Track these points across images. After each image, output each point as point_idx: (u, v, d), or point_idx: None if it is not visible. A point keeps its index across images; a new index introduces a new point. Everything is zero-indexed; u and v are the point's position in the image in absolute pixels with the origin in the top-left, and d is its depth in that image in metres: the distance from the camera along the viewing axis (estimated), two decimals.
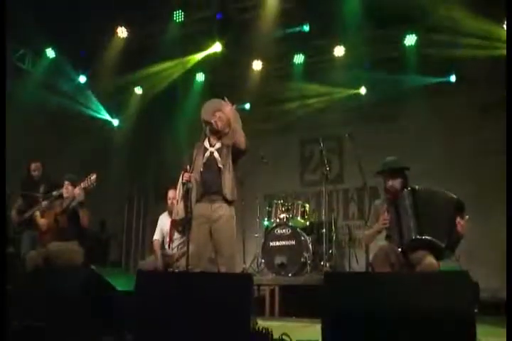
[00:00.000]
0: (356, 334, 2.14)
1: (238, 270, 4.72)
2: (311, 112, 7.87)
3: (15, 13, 6.06)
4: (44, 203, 4.79)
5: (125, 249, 8.53)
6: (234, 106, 4.05)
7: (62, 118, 7.18)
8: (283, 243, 5.59)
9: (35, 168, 5.46)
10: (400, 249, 3.59)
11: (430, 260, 3.45)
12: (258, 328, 2.55)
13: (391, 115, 7.30)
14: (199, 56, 6.74)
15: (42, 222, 4.67)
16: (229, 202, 3.95)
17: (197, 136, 4.10)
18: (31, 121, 6.66)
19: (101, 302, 3.01)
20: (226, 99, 4.03)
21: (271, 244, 5.64)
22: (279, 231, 5.67)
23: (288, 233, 5.61)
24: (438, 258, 3.58)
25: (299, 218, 5.95)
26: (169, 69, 6.80)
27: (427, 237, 3.52)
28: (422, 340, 1.92)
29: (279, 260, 5.55)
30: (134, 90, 8.03)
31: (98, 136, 7.72)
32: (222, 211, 3.91)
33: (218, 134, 4.15)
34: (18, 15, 6.19)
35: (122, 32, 6.64)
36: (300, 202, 6.09)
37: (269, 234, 5.71)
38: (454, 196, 3.67)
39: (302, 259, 5.46)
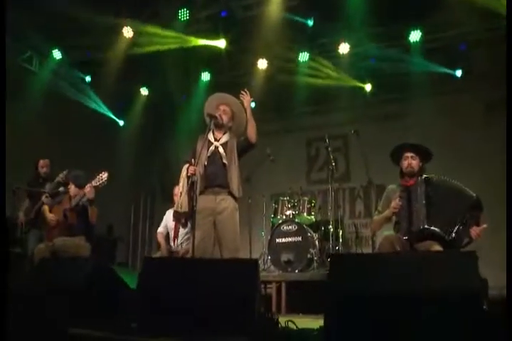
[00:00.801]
0: (361, 319, 2.11)
1: None
2: (317, 111, 7.88)
3: (20, 15, 6.13)
4: (47, 199, 4.80)
5: (132, 250, 8.52)
6: (251, 99, 4.06)
7: (68, 119, 7.21)
8: (289, 239, 5.55)
9: (43, 164, 5.47)
10: (405, 237, 3.56)
11: (437, 249, 3.40)
12: (264, 313, 2.53)
13: (397, 113, 7.28)
14: (201, 42, 6.64)
15: (50, 216, 4.66)
16: (234, 197, 3.94)
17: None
18: (37, 121, 6.70)
19: (108, 294, 2.99)
20: (246, 90, 4.03)
21: (277, 240, 5.61)
22: (285, 227, 5.64)
23: (294, 229, 5.57)
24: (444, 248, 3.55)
25: (305, 214, 5.91)
26: (168, 37, 6.58)
27: (435, 229, 3.47)
28: (428, 319, 1.89)
29: (285, 256, 5.51)
30: (139, 90, 8.09)
31: (104, 136, 7.76)
32: (227, 203, 3.90)
33: (223, 128, 4.14)
34: (24, 17, 6.26)
35: (128, 32, 6.66)
36: (306, 198, 6.06)
37: (275, 230, 5.67)
38: (473, 194, 3.56)
39: (309, 255, 5.41)
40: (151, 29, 6.58)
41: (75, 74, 7.40)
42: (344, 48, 6.96)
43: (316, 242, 5.69)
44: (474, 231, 3.47)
